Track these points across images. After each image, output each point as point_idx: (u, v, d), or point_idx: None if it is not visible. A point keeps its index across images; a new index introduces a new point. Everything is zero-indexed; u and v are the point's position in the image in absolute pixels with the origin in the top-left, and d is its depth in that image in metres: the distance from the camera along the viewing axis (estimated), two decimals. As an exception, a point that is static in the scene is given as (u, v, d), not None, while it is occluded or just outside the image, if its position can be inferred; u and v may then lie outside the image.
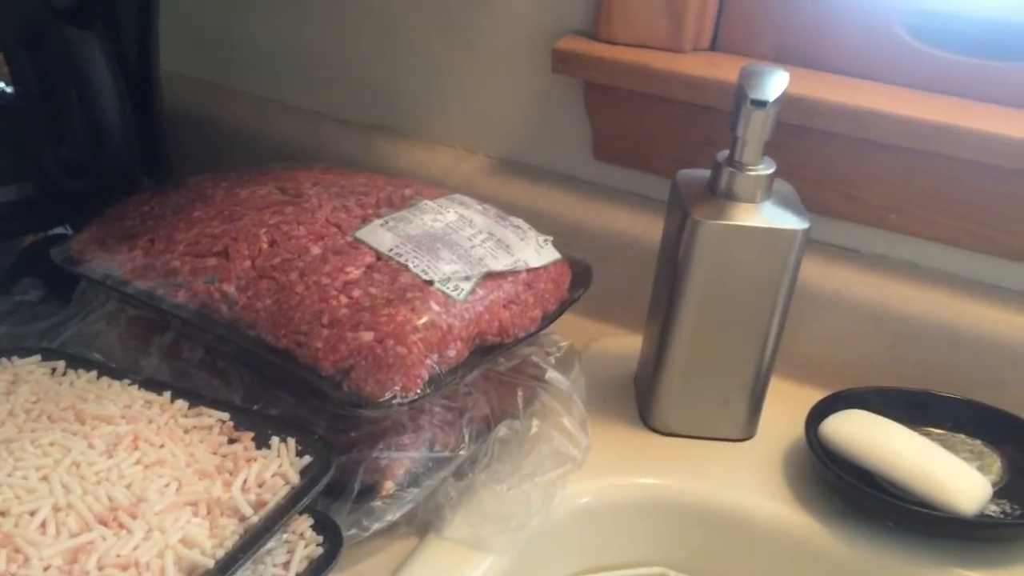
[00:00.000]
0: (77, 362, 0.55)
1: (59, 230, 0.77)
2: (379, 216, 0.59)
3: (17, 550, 0.42)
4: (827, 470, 0.58)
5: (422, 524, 0.57)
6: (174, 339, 0.61)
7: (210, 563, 0.43)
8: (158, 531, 0.44)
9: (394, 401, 0.51)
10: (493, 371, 0.60)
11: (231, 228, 0.59)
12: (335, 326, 0.53)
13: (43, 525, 0.43)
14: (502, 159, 0.82)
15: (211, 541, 0.44)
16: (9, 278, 0.74)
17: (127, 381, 0.54)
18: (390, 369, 0.51)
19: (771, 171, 0.58)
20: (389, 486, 0.55)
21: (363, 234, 0.57)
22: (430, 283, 0.55)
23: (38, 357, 0.55)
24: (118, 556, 0.42)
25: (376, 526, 0.55)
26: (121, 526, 0.44)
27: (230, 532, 0.45)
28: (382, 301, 0.53)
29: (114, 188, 0.74)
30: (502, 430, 0.59)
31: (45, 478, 0.46)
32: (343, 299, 0.54)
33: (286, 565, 0.49)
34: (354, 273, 0.55)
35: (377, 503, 0.55)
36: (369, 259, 0.56)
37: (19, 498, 0.44)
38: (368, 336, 0.52)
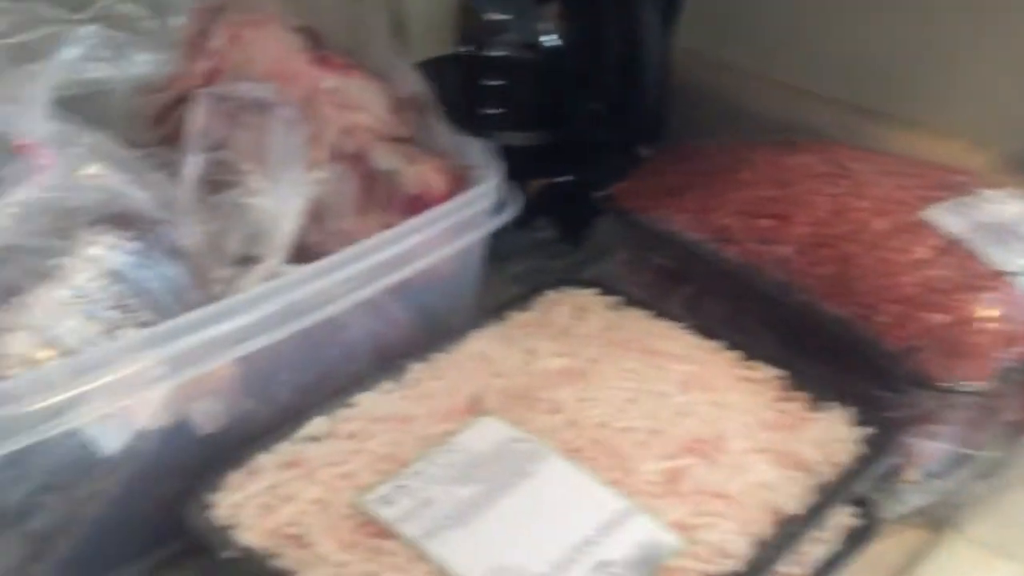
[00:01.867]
0: (632, 301, 0.59)
1: (566, 177, 0.82)
2: (941, 199, 0.58)
3: (622, 460, 0.45)
4: None
5: (936, 520, 0.55)
6: (696, 292, 0.64)
7: (796, 509, 0.44)
8: (742, 470, 0.46)
9: (960, 389, 0.50)
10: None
11: (786, 194, 0.60)
12: (904, 303, 0.52)
13: (641, 444, 0.46)
14: (1021, 157, 0.77)
15: (792, 489, 0.45)
16: (525, 217, 0.80)
17: (680, 325, 0.56)
18: (961, 356, 0.50)
19: None
20: (913, 472, 0.54)
21: (929, 215, 0.56)
22: (1006, 273, 0.52)
23: (597, 291, 0.59)
24: (711, 485, 0.44)
25: (899, 510, 0.54)
26: (708, 458, 0.46)
27: (804, 486, 0.46)
28: (954, 286, 0.52)
29: (635, 143, 0.79)
30: (1043, 437, 0.55)
31: (632, 400, 0.49)
32: (912, 277, 0.53)
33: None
34: (923, 253, 0.54)
35: (902, 487, 0.54)
36: (937, 241, 0.55)
37: (615, 415, 0.48)
38: (941, 319, 0.51)
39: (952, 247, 0.54)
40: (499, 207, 0.60)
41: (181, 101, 0.63)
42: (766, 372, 0.53)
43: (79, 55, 0.50)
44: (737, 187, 0.62)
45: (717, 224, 0.60)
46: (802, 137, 0.81)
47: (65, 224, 0.45)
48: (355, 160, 0.60)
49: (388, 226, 0.58)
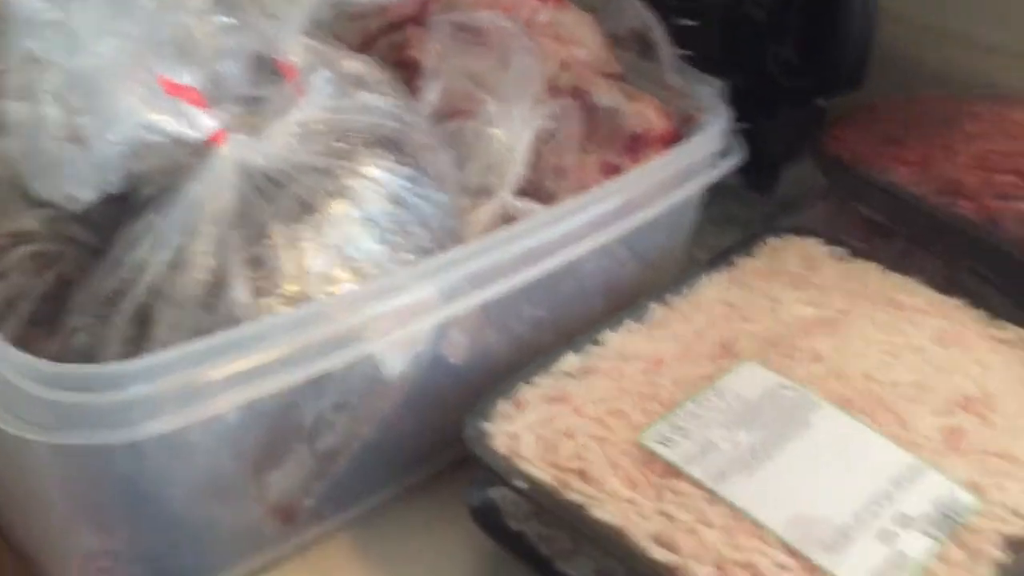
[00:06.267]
0: (858, 252, 0.57)
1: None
2: None
3: (895, 414, 0.44)
4: None
5: None
6: (906, 248, 0.62)
7: (1080, 475, 0.43)
8: (1022, 431, 0.44)
9: None
10: None
11: (1021, 148, 0.58)
12: None
13: (910, 398, 0.45)
14: None
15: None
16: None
17: (916, 280, 0.55)
18: None
19: None
20: None
21: None
22: None
23: (818, 240, 0.58)
24: (993, 445, 0.43)
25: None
26: (982, 417, 0.45)
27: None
28: None
29: (827, 94, 0.77)
30: None
31: (891, 354, 0.48)
32: None
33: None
34: None
35: None
36: None
37: (879, 368, 0.47)
38: None
39: None
40: (725, 152, 0.59)
41: (392, 28, 0.61)
42: (1016, 332, 0.52)
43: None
44: (965, 140, 0.60)
45: (947, 178, 0.58)
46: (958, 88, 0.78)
47: (344, 145, 0.44)
48: (574, 95, 0.59)
49: (607, 165, 0.57)
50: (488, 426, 0.44)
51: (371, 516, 0.48)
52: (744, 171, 0.79)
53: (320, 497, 0.44)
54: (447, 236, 0.46)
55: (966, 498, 0.41)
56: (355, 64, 0.48)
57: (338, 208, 0.42)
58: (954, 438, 0.44)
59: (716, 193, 0.77)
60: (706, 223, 0.72)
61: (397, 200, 0.44)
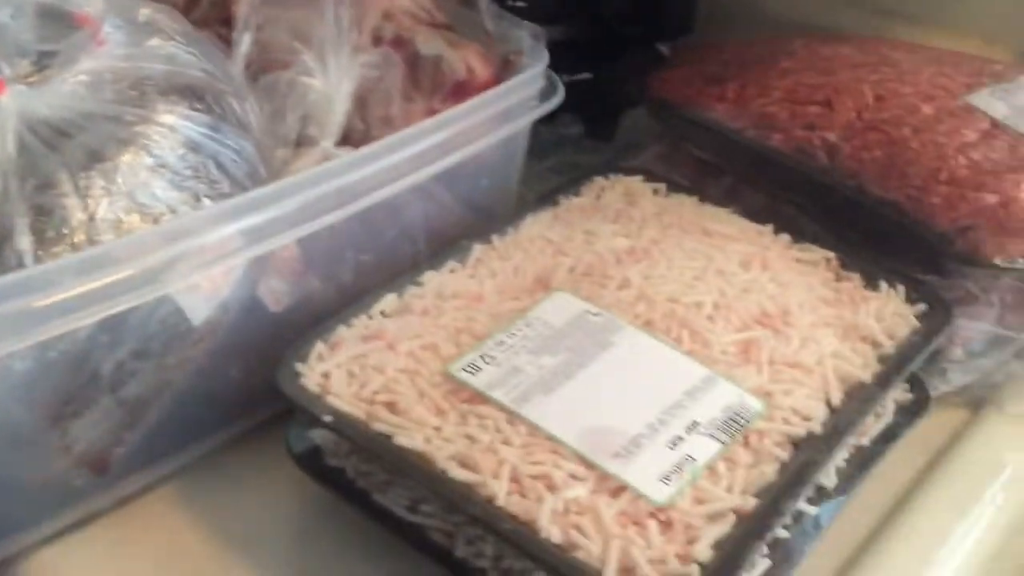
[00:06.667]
0: (677, 187, 0.59)
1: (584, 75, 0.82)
2: (982, 85, 0.59)
3: (695, 332, 0.46)
4: None
5: (975, 399, 0.57)
6: (733, 183, 0.65)
7: (866, 377, 0.46)
8: (812, 341, 0.47)
9: (1014, 266, 0.51)
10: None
11: (830, 81, 0.60)
12: (955, 184, 0.53)
13: (710, 318, 0.48)
14: (1032, 55, 0.78)
15: (858, 359, 0.47)
16: (551, 114, 0.80)
17: (729, 210, 0.57)
18: (1013, 234, 0.51)
19: None
20: (958, 351, 0.56)
21: (974, 100, 0.57)
22: (1052, 156, 0.54)
23: (640, 177, 0.60)
24: (783, 355, 0.46)
25: (943, 388, 0.56)
26: (777, 331, 0.47)
27: (869, 357, 0.47)
28: (1005, 167, 0.53)
29: (660, 40, 0.79)
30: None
31: (698, 278, 0.50)
32: (962, 159, 0.54)
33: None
34: (971, 136, 0.55)
35: (946, 365, 0.56)
36: (985, 125, 0.56)
37: (684, 291, 0.49)
38: (992, 198, 0.52)
39: (999, 131, 0.55)
40: (545, 94, 0.60)
41: (216, -15, 0.61)
42: (818, 254, 0.54)
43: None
44: (779, 75, 0.62)
45: (760, 112, 0.61)
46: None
47: (137, 93, 0.44)
48: (397, 45, 0.59)
49: (433, 112, 0.58)
50: (301, 367, 0.44)
51: (197, 467, 0.48)
52: (586, 120, 0.81)
53: (136, 447, 0.44)
54: (251, 182, 0.46)
55: (754, 404, 0.43)
56: (152, 13, 0.47)
57: (130, 156, 0.41)
58: (749, 351, 0.46)
59: (558, 142, 0.79)
60: (547, 172, 0.74)
61: (194, 147, 0.44)
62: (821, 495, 0.46)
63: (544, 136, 0.77)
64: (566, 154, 0.76)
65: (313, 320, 0.48)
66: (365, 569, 0.44)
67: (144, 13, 0.47)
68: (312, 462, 0.47)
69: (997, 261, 0.51)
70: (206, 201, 0.43)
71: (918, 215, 0.54)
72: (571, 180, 0.60)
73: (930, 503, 0.52)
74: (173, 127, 0.43)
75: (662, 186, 0.59)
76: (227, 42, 0.53)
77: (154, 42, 0.46)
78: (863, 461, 0.48)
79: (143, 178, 0.41)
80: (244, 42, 0.53)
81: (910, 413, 0.52)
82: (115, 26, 0.46)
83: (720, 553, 0.37)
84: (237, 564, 0.45)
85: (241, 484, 0.48)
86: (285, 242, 0.46)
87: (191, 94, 0.45)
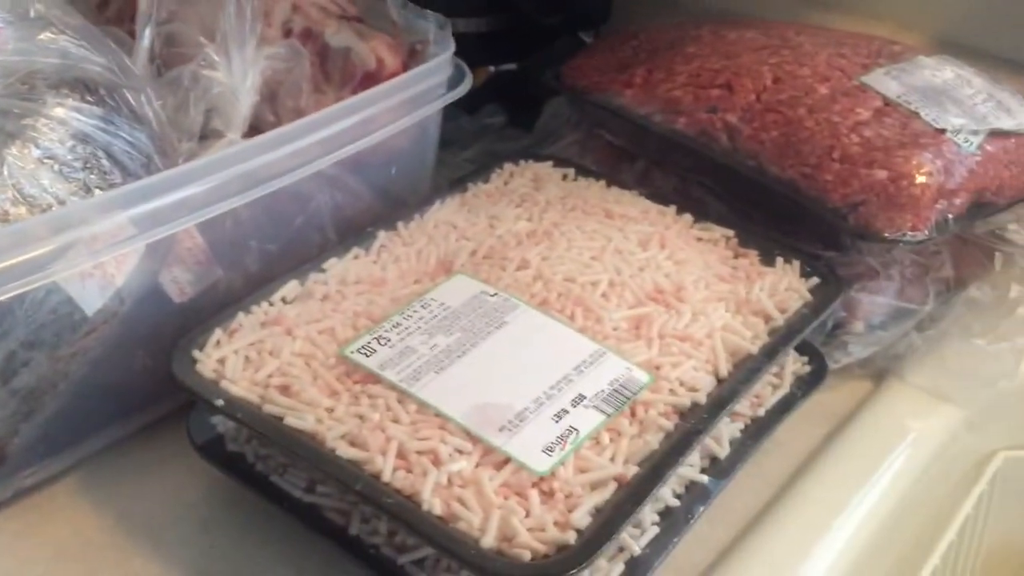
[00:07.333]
0: (585, 172, 0.60)
1: (509, 66, 0.83)
2: (879, 65, 0.60)
3: (589, 310, 0.47)
4: None
5: (877, 371, 0.59)
6: (645, 168, 0.66)
7: (753, 349, 0.47)
8: (703, 316, 0.48)
9: (903, 239, 0.53)
10: (967, 233, 0.60)
11: (732, 64, 0.62)
12: (847, 161, 0.55)
13: (604, 295, 0.49)
14: (944, 40, 0.79)
15: (748, 332, 0.48)
16: (474, 103, 0.81)
17: (635, 192, 0.58)
18: (902, 208, 0.53)
19: None
20: (859, 325, 0.57)
21: (869, 79, 0.58)
22: (942, 131, 0.55)
23: (550, 163, 0.61)
24: (674, 329, 0.47)
25: (844, 360, 0.57)
26: (670, 306, 0.48)
27: (760, 329, 0.49)
28: (895, 143, 0.55)
29: (580, 29, 0.80)
30: (973, 291, 0.59)
31: (595, 258, 0.51)
32: (855, 137, 0.55)
33: (779, 375, 0.52)
34: (864, 115, 0.56)
35: (847, 338, 0.57)
36: (878, 103, 0.57)
37: (580, 270, 0.50)
38: (882, 174, 0.54)
39: (891, 109, 0.57)
40: (454, 82, 0.60)
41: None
42: (718, 232, 0.55)
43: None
44: (685, 60, 0.64)
45: (666, 96, 0.62)
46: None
47: (26, 87, 0.44)
48: (306, 37, 0.60)
49: (343, 103, 0.58)
50: (197, 353, 0.45)
51: (100, 457, 0.49)
52: (509, 109, 0.82)
53: (34, 438, 0.45)
54: (146, 173, 0.46)
55: (641, 376, 0.44)
56: (44, 8, 0.48)
57: (16, 148, 0.42)
58: (641, 327, 0.47)
59: (480, 132, 0.80)
60: (466, 163, 0.75)
61: (84, 138, 0.44)
62: (715, 465, 0.47)
63: (466, 127, 0.78)
64: (487, 144, 0.77)
65: (218, 310, 0.48)
66: (265, 553, 0.45)
67: (36, 8, 0.48)
68: (214, 450, 0.47)
69: (887, 235, 0.53)
70: (97, 192, 0.43)
71: (813, 192, 0.55)
72: (481, 167, 0.61)
73: (832, 471, 0.53)
74: (63, 119, 0.44)
75: (571, 171, 0.60)
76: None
77: (45, 36, 0.47)
78: (758, 431, 0.49)
79: (30, 170, 0.42)
80: (146, 36, 0.54)
81: (807, 385, 0.53)
82: (5, 21, 0.46)
83: (598, 519, 0.38)
84: (139, 554, 0.45)
85: (144, 474, 0.49)
86: (178, 229, 0.46)
87: (83, 87, 0.46)
